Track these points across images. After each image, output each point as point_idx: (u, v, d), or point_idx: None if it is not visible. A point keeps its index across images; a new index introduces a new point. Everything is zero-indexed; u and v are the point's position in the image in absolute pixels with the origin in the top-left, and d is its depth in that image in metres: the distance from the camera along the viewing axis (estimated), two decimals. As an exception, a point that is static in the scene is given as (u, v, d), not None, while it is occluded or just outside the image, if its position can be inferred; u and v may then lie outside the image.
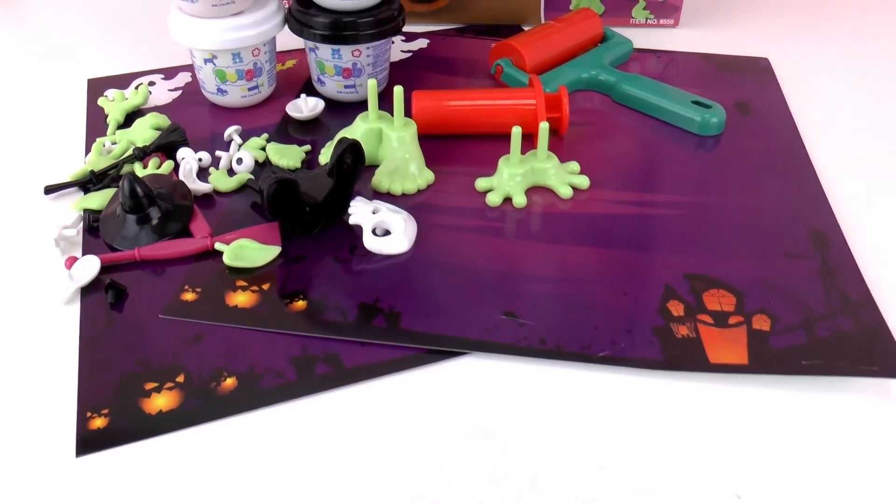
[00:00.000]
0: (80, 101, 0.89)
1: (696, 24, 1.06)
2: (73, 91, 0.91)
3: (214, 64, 0.82)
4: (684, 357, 0.60)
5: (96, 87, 0.91)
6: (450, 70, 0.94)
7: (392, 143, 0.76)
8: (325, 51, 0.83)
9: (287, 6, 0.85)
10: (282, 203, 0.66)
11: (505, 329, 0.62)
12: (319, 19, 0.81)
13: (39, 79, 0.94)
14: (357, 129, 0.77)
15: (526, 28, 1.04)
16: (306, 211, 0.68)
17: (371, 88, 0.75)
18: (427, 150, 0.79)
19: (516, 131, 0.73)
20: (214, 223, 0.71)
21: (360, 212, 0.69)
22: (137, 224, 0.69)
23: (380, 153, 0.77)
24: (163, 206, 0.70)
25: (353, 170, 0.71)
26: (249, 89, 0.84)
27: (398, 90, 0.74)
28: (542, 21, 1.04)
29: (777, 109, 0.88)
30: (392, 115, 0.78)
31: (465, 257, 0.68)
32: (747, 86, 0.92)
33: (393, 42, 0.92)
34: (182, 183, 0.73)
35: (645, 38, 1.02)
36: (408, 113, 0.80)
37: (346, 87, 0.85)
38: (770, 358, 0.59)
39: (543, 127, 0.73)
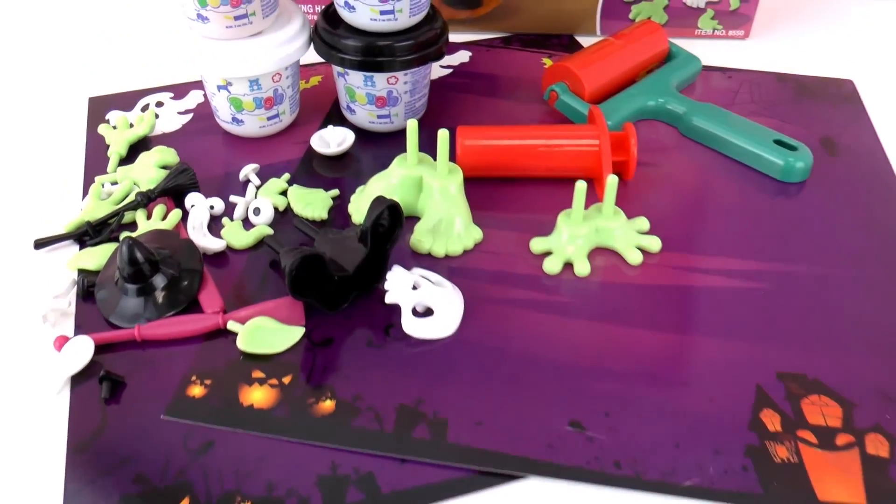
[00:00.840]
0: (79, 124, 0.79)
1: (769, 35, 0.94)
2: (72, 111, 0.81)
3: (229, 91, 0.71)
4: (786, 491, 0.50)
5: (98, 107, 0.81)
6: (496, 91, 0.83)
7: (434, 194, 0.65)
8: (356, 77, 0.72)
9: (313, 23, 0.74)
10: (306, 281, 0.56)
11: (572, 445, 0.52)
12: (350, 42, 0.70)
13: (36, 96, 0.84)
14: (393, 175, 0.67)
15: (579, 38, 0.92)
16: (335, 282, 0.58)
17: (411, 131, 0.65)
18: (473, 197, 0.68)
19: (580, 188, 0.62)
20: (228, 289, 0.62)
21: (399, 288, 0.59)
22: (138, 295, 0.59)
23: (419, 203, 0.67)
24: (167, 273, 0.60)
25: (390, 233, 0.61)
26: (269, 118, 0.74)
27: (443, 135, 0.63)
28: (598, 31, 0.92)
29: (868, 148, 0.77)
30: (434, 158, 0.67)
31: (521, 342, 0.58)
32: (832, 116, 0.81)
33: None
34: (191, 243, 0.63)
35: (712, 50, 0.91)
36: (451, 150, 0.69)
37: (379, 117, 0.75)
38: (893, 497, 0.49)
39: (612, 182, 0.63)
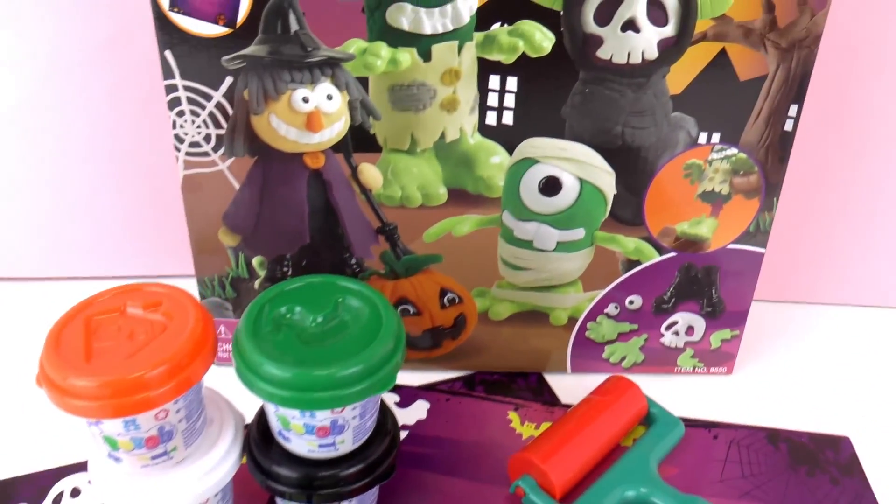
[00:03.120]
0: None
1: (753, 368, 0.88)
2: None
3: (148, 521, 0.62)
4: None
5: (4, 496, 0.71)
6: (458, 467, 0.75)
7: None
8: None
9: (246, 431, 0.66)
10: None
11: None
12: (284, 471, 0.61)
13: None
14: None
15: (548, 377, 0.85)
16: None
17: None
18: None
19: None
20: None
21: None
22: None
23: None
24: None
25: None
26: (196, 539, 0.64)
27: None
28: (568, 369, 0.85)
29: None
30: None
31: None
32: (834, 499, 0.72)
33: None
34: None
35: (693, 390, 0.84)
36: None
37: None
38: None
39: None
